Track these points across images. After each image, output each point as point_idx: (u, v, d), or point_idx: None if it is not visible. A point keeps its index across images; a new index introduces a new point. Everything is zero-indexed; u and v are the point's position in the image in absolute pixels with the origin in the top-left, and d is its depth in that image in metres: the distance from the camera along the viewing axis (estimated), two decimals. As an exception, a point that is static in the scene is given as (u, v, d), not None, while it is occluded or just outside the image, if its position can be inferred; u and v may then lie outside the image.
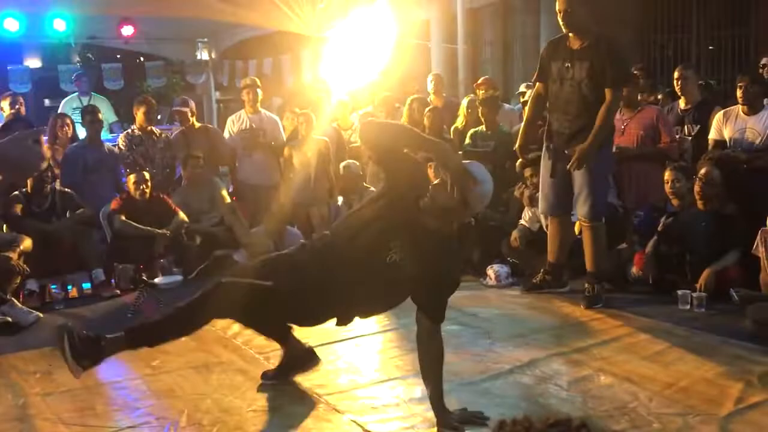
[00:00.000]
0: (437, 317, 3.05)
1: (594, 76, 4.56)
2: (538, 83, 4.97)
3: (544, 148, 4.96)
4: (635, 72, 6.28)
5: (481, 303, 5.02)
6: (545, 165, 4.93)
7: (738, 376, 3.50)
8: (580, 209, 4.77)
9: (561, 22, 4.61)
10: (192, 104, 7.10)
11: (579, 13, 4.56)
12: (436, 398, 3.03)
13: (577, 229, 5.11)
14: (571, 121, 4.70)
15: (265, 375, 3.65)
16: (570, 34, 4.65)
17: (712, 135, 5.51)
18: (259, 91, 7.17)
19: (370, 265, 3.00)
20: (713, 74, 9.15)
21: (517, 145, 5.12)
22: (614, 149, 5.72)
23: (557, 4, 4.63)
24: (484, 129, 6.56)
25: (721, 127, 5.47)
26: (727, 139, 5.41)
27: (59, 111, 7.92)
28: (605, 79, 4.57)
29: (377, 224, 3.04)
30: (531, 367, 3.74)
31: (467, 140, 6.62)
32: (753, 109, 5.33)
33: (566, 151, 4.72)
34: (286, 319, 3.38)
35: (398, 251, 2.98)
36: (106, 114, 8.43)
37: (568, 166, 4.68)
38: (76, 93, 8.51)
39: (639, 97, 5.99)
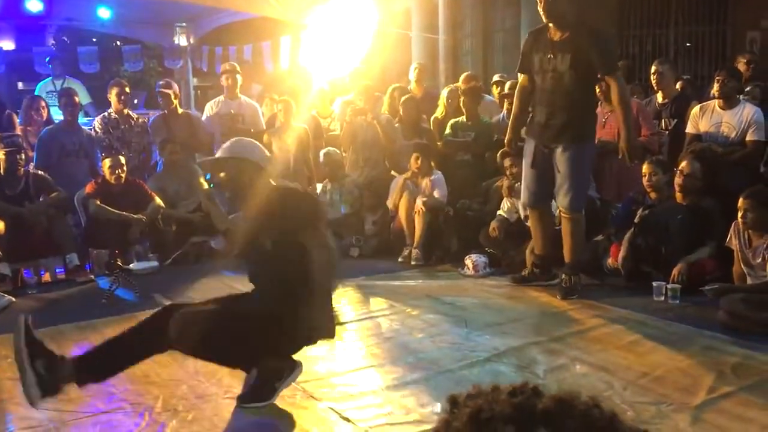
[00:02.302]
0: None
1: (577, 67, 4.52)
2: (521, 75, 4.94)
3: (526, 140, 4.95)
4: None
5: (458, 292, 5.04)
6: (527, 157, 4.90)
7: (711, 366, 3.55)
8: (561, 200, 4.77)
9: (541, 12, 4.56)
10: (176, 87, 7.04)
11: (560, 3, 4.51)
12: None
13: (557, 221, 5.13)
14: (554, 114, 4.66)
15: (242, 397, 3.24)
16: (550, 25, 4.61)
17: (689, 129, 5.58)
18: (238, 76, 7.11)
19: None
20: (690, 70, 9.23)
21: (506, 138, 5.11)
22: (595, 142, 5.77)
23: None
24: (465, 119, 6.57)
25: (698, 121, 5.53)
26: (703, 133, 5.47)
27: (35, 94, 7.78)
28: (591, 71, 4.57)
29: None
30: (508, 355, 3.77)
31: (448, 130, 6.63)
32: (729, 103, 5.40)
33: (552, 145, 4.70)
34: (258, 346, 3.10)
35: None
36: (81, 96, 8.30)
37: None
38: (51, 77, 8.37)
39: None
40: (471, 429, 0.83)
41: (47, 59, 8.94)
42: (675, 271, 4.69)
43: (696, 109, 5.60)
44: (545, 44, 4.63)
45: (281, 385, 3.17)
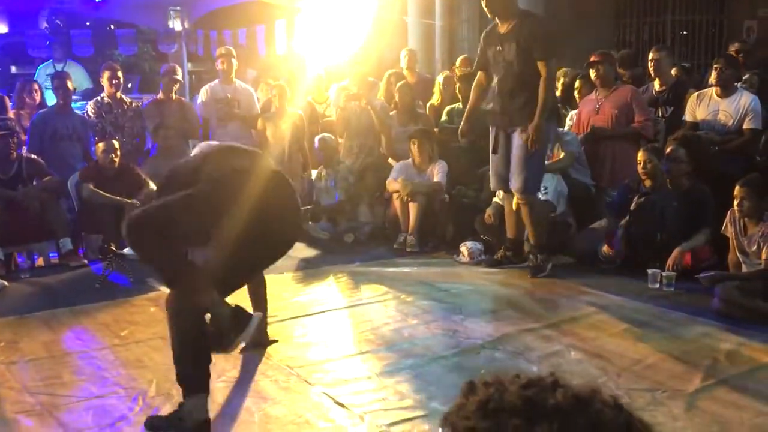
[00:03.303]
0: None
1: (521, 53, 4.72)
2: (479, 72, 5.17)
3: (490, 128, 5.10)
4: (610, 52, 6.30)
5: (453, 279, 5.03)
6: (491, 142, 5.09)
7: (705, 353, 3.56)
8: (513, 184, 4.94)
9: (484, 8, 4.80)
10: (180, 74, 7.03)
11: None
12: None
13: (513, 205, 5.15)
14: (509, 101, 4.86)
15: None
16: (496, 20, 4.84)
17: (686, 117, 5.57)
18: (234, 61, 7.06)
19: None
20: (687, 58, 9.21)
21: (459, 129, 5.31)
22: (589, 128, 5.77)
23: None
24: (461, 106, 6.54)
25: (695, 109, 5.52)
26: (700, 121, 5.46)
27: (35, 78, 7.73)
28: (533, 55, 4.71)
29: None
30: (502, 342, 3.77)
31: (444, 117, 6.60)
32: (726, 91, 5.39)
33: (508, 130, 4.93)
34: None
35: None
36: (81, 81, 8.27)
37: (530, 146, 4.79)
38: (51, 60, 8.32)
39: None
40: (478, 417, 0.82)
41: (47, 43, 8.90)
42: (670, 259, 4.70)
43: (693, 97, 5.59)
44: (495, 38, 4.89)
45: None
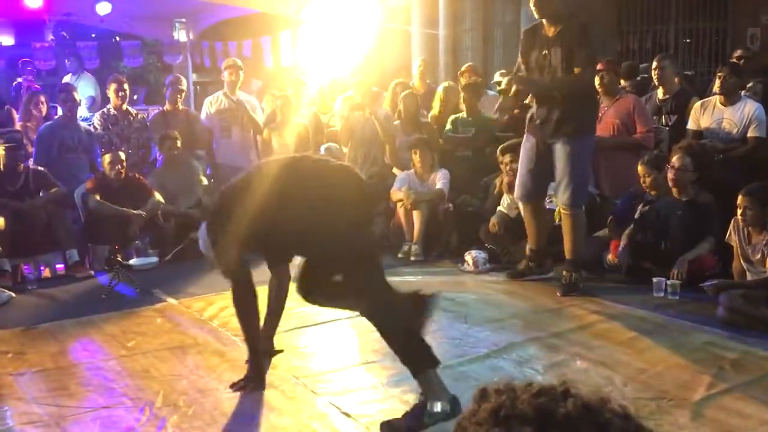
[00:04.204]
0: None
1: (567, 60, 4.54)
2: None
3: (525, 137, 4.94)
4: (615, 61, 6.32)
5: (458, 288, 5.04)
6: (525, 152, 4.91)
7: (710, 362, 3.55)
8: (561, 196, 4.76)
9: (533, 9, 4.60)
10: (185, 84, 7.08)
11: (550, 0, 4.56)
12: None
13: (556, 217, 5.13)
14: (552, 110, 4.66)
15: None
16: (544, 21, 4.64)
17: (690, 125, 5.58)
18: (241, 73, 7.14)
19: None
20: (690, 66, 9.22)
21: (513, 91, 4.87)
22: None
23: None
24: (465, 115, 6.56)
25: (699, 117, 5.53)
26: (704, 130, 5.47)
27: (34, 90, 7.78)
28: (574, 62, 4.55)
29: None
30: (507, 351, 3.77)
31: (448, 126, 6.62)
32: (730, 99, 5.40)
33: (551, 141, 4.70)
34: None
35: None
36: (94, 93, 8.34)
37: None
38: (70, 73, 8.40)
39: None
40: (489, 424, 0.84)
41: (66, 61, 9.03)
42: (675, 268, 4.69)
43: (697, 105, 5.60)
44: (541, 41, 4.66)
45: None
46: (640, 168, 5.05)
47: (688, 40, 9.87)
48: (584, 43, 4.52)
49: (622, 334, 4.00)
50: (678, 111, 5.90)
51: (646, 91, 6.41)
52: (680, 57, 9.27)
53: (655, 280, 4.67)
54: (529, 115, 4.93)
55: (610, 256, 5.09)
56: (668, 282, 4.63)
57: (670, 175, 4.95)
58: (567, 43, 4.51)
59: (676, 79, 6.31)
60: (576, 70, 4.53)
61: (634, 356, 3.65)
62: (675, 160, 4.94)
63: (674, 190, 4.96)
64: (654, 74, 6.03)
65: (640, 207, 5.01)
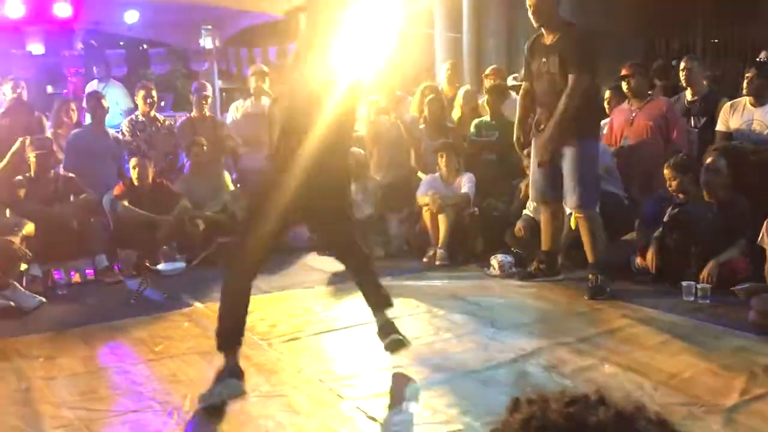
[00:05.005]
0: None
1: (564, 66, 4.64)
2: (525, 82, 5.09)
3: (533, 142, 5.00)
4: (640, 63, 6.25)
5: (484, 292, 5.02)
6: (534, 156, 5.00)
7: (742, 367, 3.49)
8: (570, 200, 4.81)
9: (531, 17, 4.72)
10: (210, 90, 7.15)
11: (548, 8, 4.67)
12: None
13: (573, 223, 5.10)
14: (551, 114, 4.75)
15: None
16: (543, 30, 4.75)
17: (719, 127, 5.50)
18: (267, 79, 7.20)
19: None
20: (718, 68, 9.09)
21: (514, 138, 5.21)
22: (625, 143, 5.71)
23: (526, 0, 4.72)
24: (489, 118, 6.54)
25: (728, 118, 5.46)
26: (734, 131, 5.39)
27: (65, 97, 7.90)
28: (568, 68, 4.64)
29: None
30: (535, 356, 3.73)
31: (472, 129, 6.60)
32: (760, 100, 5.32)
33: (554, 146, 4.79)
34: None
35: None
36: (122, 100, 8.43)
37: (537, 159, 4.78)
38: (97, 79, 8.49)
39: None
40: None
41: (93, 66, 9.13)
42: (706, 271, 4.62)
43: (726, 107, 5.52)
44: (540, 49, 4.81)
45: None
46: (666, 171, 4.99)
47: (715, 41, 9.73)
48: (579, 50, 4.62)
49: (651, 339, 3.95)
50: (707, 113, 5.82)
51: (675, 93, 6.34)
52: (708, 57, 9.16)
53: (684, 283, 4.60)
54: (534, 122, 4.97)
55: (638, 260, 5.03)
56: (698, 286, 4.56)
57: (703, 176, 4.88)
58: (563, 50, 4.62)
59: (704, 81, 6.24)
60: (570, 77, 4.60)
61: (664, 361, 3.60)
62: (709, 162, 4.87)
63: (706, 192, 4.89)
64: (682, 76, 5.97)
65: (669, 210, 4.94)
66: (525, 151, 5.32)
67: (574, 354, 3.74)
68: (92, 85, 8.35)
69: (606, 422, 0.81)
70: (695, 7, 9.64)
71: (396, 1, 6.61)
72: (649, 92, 6.02)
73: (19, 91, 7.05)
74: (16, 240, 4.99)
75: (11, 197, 5.59)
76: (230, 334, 3.37)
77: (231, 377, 3.24)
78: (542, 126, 4.81)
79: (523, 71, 5.11)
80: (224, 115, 8.28)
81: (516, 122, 5.21)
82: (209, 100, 7.12)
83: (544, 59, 4.74)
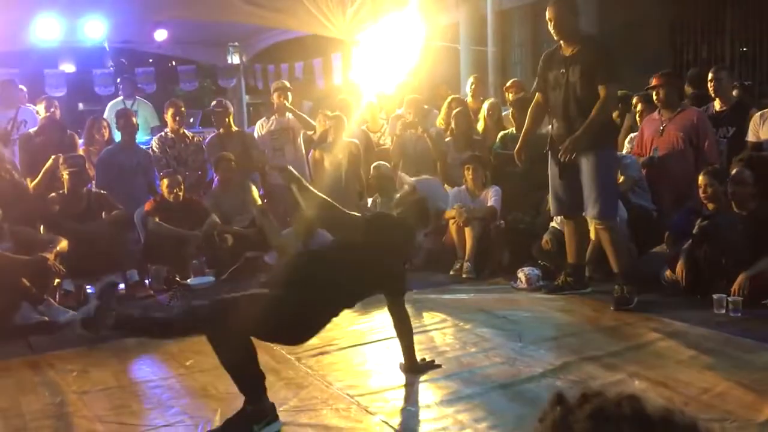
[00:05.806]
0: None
1: (585, 77, 4.68)
2: (537, 93, 5.12)
3: (550, 154, 5.02)
4: (671, 72, 6.21)
5: (511, 306, 5.00)
6: (552, 168, 5.02)
7: (776, 381, 3.44)
8: (591, 211, 4.81)
9: (552, 30, 4.78)
10: (229, 106, 7.23)
11: (568, 21, 4.73)
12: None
13: (593, 234, 5.08)
14: (570, 124, 4.79)
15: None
16: (562, 42, 4.81)
17: (750, 137, 5.45)
18: (290, 94, 7.28)
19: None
20: (747, 76, 8.98)
21: (515, 150, 5.23)
22: (656, 153, 5.68)
23: (547, 13, 4.79)
24: (514, 131, 6.53)
25: (758, 128, 5.40)
26: (764, 141, 5.33)
27: (105, 114, 8.02)
28: (595, 79, 4.66)
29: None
30: (563, 370, 3.71)
31: (497, 142, 6.60)
32: (790, 110, 5.25)
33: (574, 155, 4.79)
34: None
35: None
36: (150, 118, 8.55)
37: (559, 156, 4.77)
38: (121, 97, 8.62)
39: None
40: (590, 426, 0.91)
41: (118, 80, 9.24)
42: (736, 284, 4.56)
43: (756, 116, 5.47)
44: (559, 61, 4.86)
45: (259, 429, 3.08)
46: (701, 178, 4.95)
47: (744, 49, 9.62)
48: (605, 61, 4.70)
49: (682, 353, 3.90)
50: (736, 122, 5.76)
51: (704, 103, 6.28)
52: (737, 66, 9.06)
53: (715, 296, 4.55)
54: (550, 134, 4.97)
55: (668, 272, 4.98)
56: (729, 299, 4.50)
57: (729, 188, 4.83)
58: (586, 62, 4.68)
59: (734, 91, 6.17)
60: (600, 87, 4.66)
61: (695, 376, 3.56)
62: (734, 173, 4.83)
63: (734, 203, 4.84)
64: (710, 86, 5.92)
65: (698, 222, 4.89)
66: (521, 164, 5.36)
67: (603, 369, 3.71)
68: (117, 104, 8.48)
69: (664, 415, 0.92)
70: (724, 16, 9.55)
71: (422, 16, 6.69)
72: (683, 100, 5.97)
73: (52, 110, 7.21)
74: (51, 256, 5.09)
75: (45, 214, 5.71)
76: (252, 390, 3.14)
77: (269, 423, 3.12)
78: (561, 136, 4.82)
79: (535, 83, 5.16)
80: (251, 128, 8.38)
81: (522, 133, 5.24)
82: (231, 117, 7.17)
83: (562, 70, 4.79)
